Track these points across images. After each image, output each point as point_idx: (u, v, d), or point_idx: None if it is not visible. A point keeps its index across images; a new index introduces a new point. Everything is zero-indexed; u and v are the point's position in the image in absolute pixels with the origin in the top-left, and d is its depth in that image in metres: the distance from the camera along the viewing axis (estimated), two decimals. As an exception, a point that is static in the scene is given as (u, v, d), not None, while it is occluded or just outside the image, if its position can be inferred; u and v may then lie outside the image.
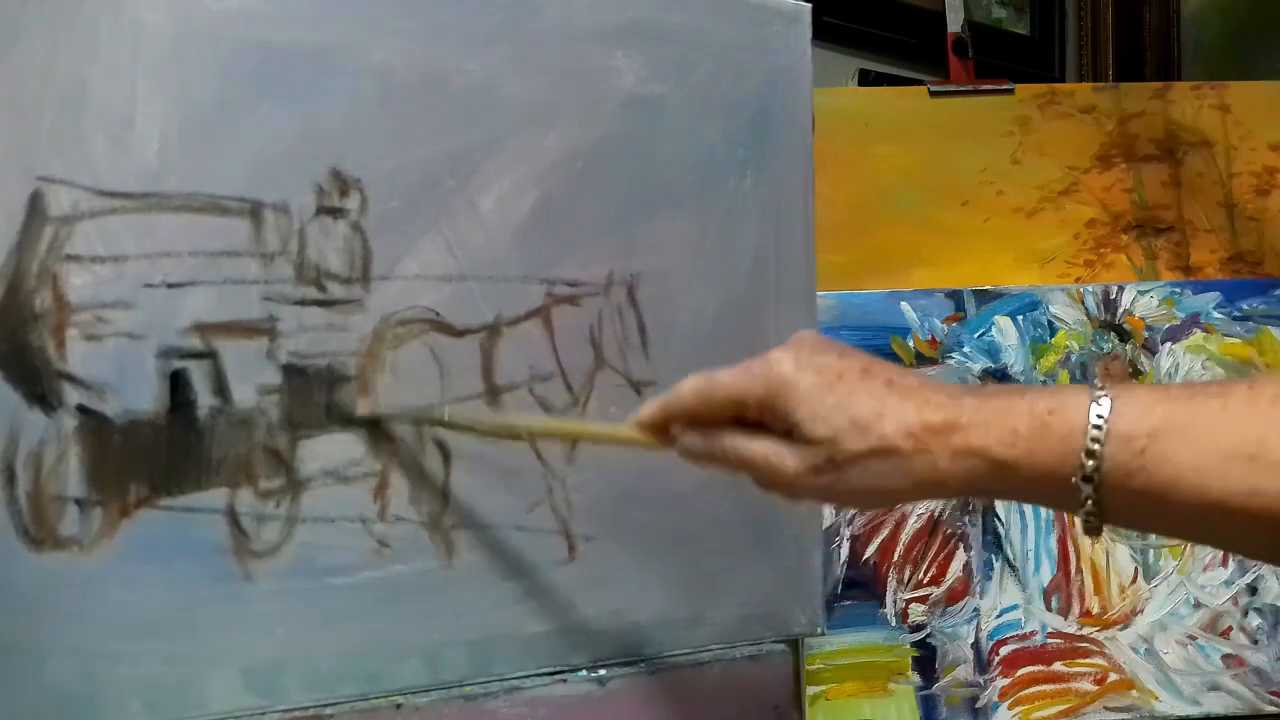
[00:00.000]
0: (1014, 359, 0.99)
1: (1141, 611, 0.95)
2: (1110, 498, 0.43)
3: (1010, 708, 0.92)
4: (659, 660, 0.67)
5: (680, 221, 0.69)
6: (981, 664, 0.93)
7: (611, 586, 0.66)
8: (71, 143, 0.51)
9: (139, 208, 0.52)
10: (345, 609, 0.57)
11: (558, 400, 0.64)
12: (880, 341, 0.97)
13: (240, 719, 0.55)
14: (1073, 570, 0.95)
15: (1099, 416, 0.43)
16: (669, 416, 0.52)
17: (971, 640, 0.93)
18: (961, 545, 0.95)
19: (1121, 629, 0.94)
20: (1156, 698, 0.93)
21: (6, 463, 0.49)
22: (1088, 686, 0.93)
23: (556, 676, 0.63)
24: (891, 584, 0.94)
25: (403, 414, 0.59)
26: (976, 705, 0.92)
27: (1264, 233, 1.04)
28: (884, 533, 0.95)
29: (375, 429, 0.58)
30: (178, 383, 0.53)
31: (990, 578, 0.95)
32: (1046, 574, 0.95)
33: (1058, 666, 0.93)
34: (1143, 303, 1.01)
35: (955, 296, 1.00)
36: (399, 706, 0.59)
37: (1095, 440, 0.43)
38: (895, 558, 0.94)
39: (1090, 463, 0.43)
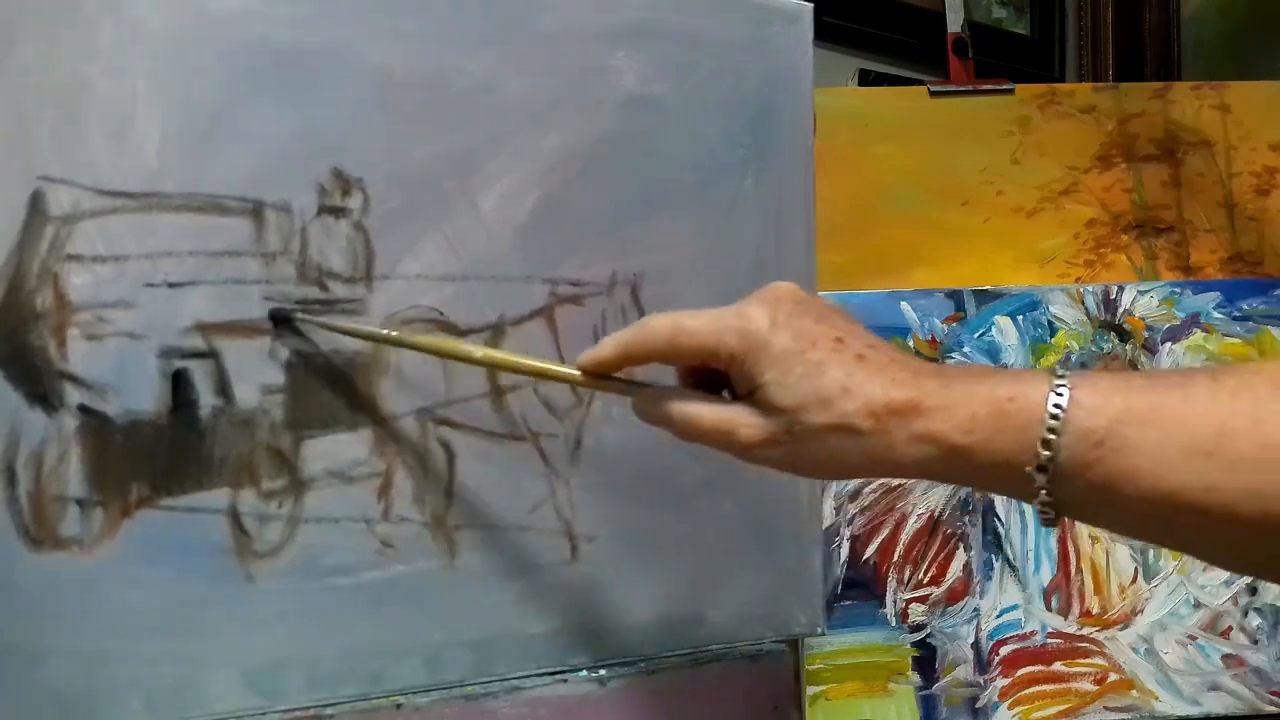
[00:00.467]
0: (1014, 359, 0.99)
1: (1141, 611, 0.95)
2: (1065, 489, 0.43)
3: (1010, 708, 0.92)
4: (659, 660, 0.67)
5: (680, 221, 0.69)
6: (981, 664, 0.93)
7: (613, 587, 0.66)
8: (72, 142, 0.51)
9: (140, 207, 0.52)
10: (347, 609, 0.57)
11: (562, 400, 0.64)
12: (880, 341, 0.97)
13: (241, 719, 0.55)
14: (1073, 570, 0.95)
15: (1056, 406, 0.42)
16: (628, 357, 0.50)
17: (971, 640, 0.94)
18: (961, 545, 0.95)
19: (1121, 629, 0.94)
20: (1156, 698, 0.93)
21: (7, 463, 0.49)
22: (1088, 686, 0.93)
23: (557, 676, 0.63)
24: (891, 584, 0.94)
25: (337, 327, 0.56)
26: (976, 705, 0.92)
27: (1264, 233, 1.04)
28: (884, 533, 0.95)
29: (380, 429, 0.58)
30: (179, 382, 0.53)
31: (990, 578, 0.95)
32: (1046, 574, 0.95)
33: (1058, 666, 0.93)
34: (1143, 303, 1.01)
35: (955, 296, 1.00)
36: (399, 706, 0.59)
37: (1052, 431, 0.42)
38: (895, 558, 0.94)
39: (1046, 453, 0.42)
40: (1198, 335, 1.01)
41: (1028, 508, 0.95)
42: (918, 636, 0.93)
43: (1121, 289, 1.02)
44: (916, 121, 1.05)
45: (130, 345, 0.52)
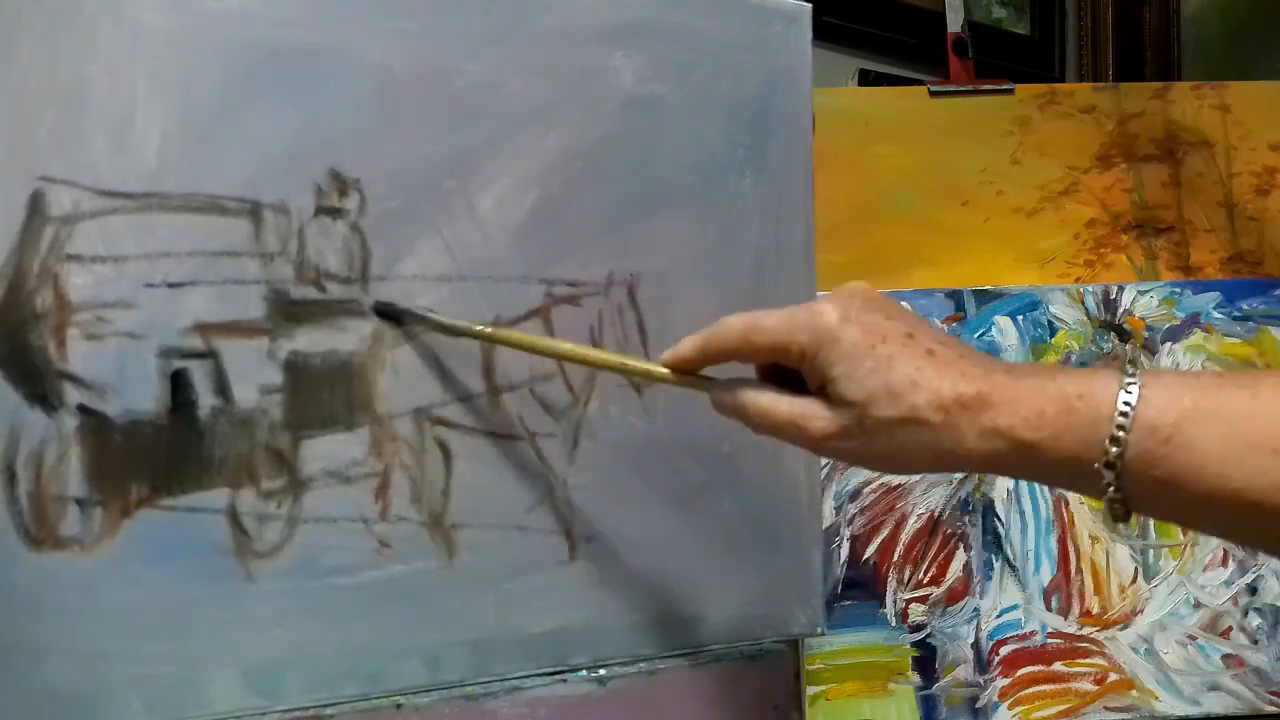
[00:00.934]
0: (1014, 359, 0.99)
1: (1141, 611, 0.95)
2: (1133, 485, 0.43)
3: (1010, 708, 0.92)
4: (659, 660, 0.67)
5: (680, 221, 0.69)
6: (981, 664, 0.93)
7: (612, 586, 0.66)
8: (72, 142, 0.51)
9: (139, 208, 0.52)
10: (346, 609, 0.57)
11: (559, 400, 0.64)
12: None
13: (241, 719, 0.55)
14: (1073, 570, 0.95)
15: (1126, 404, 0.43)
16: (707, 355, 0.51)
17: (971, 640, 0.94)
18: (961, 545, 0.95)
19: (1121, 629, 0.94)
20: (1156, 698, 0.93)
21: (7, 463, 0.49)
22: (1088, 686, 0.93)
23: (557, 676, 0.63)
24: (891, 584, 0.94)
25: (439, 323, 0.59)
26: (976, 705, 0.92)
27: (1264, 233, 1.04)
28: (884, 533, 0.95)
29: (378, 429, 0.58)
30: (179, 382, 0.53)
31: (990, 578, 0.95)
32: (1046, 574, 0.95)
33: (1058, 666, 0.93)
34: (1143, 303, 1.01)
35: (955, 296, 1.00)
36: (399, 706, 0.59)
37: (1120, 428, 0.43)
38: (895, 558, 0.94)
39: (1114, 449, 0.43)
40: (1198, 335, 1.01)
41: (1027, 507, 0.95)
42: (918, 636, 0.93)
43: (1121, 289, 1.02)
44: (916, 121, 1.05)
45: (130, 345, 0.52)
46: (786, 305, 0.73)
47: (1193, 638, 0.94)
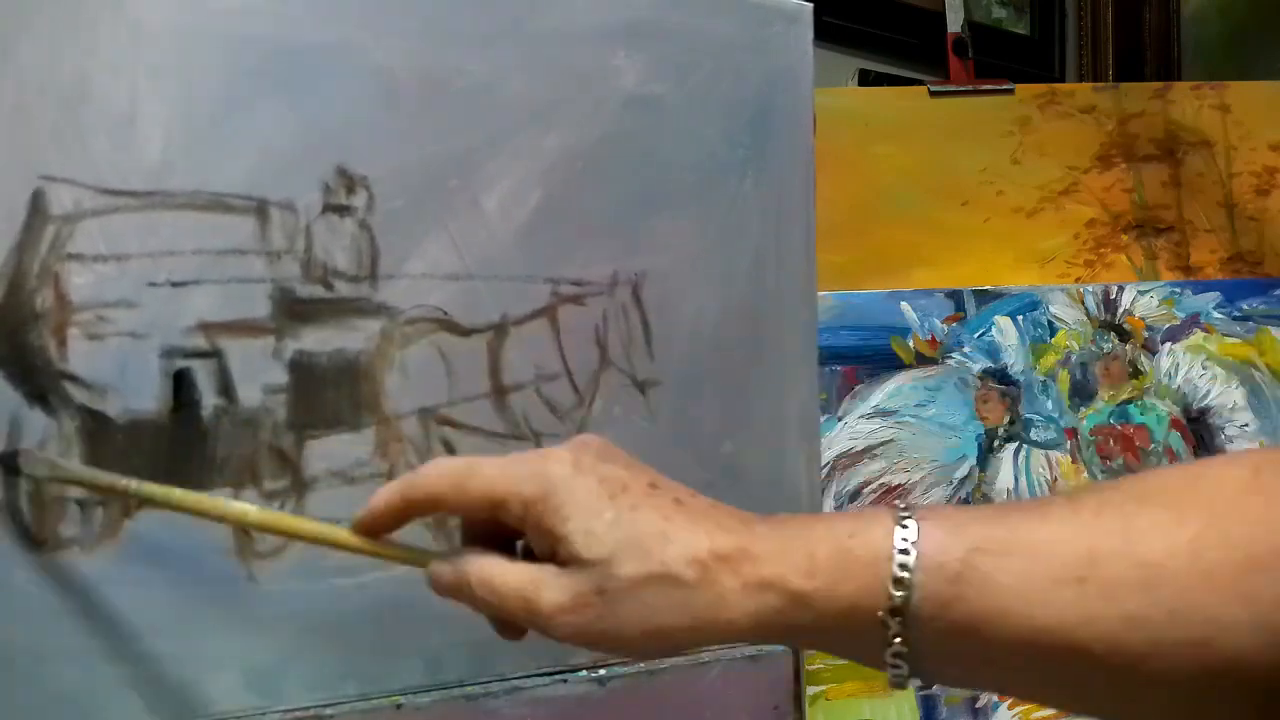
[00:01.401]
0: (1014, 359, 0.99)
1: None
2: (924, 636, 0.37)
3: (1010, 708, 0.92)
4: (659, 660, 0.67)
5: (681, 221, 0.69)
6: (981, 664, 0.93)
7: (613, 586, 0.66)
8: (73, 141, 0.50)
9: (142, 206, 0.52)
10: (348, 609, 0.57)
11: (564, 400, 0.64)
12: (880, 341, 0.97)
13: (241, 719, 0.55)
14: (1072, 570, 0.95)
15: (904, 540, 0.38)
16: (409, 505, 0.43)
17: (971, 640, 0.93)
18: (961, 545, 0.95)
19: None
20: (1156, 698, 0.93)
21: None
22: (1087, 686, 0.93)
23: (557, 677, 0.63)
24: (891, 584, 0.94)
25: (75, 476, 0.49)
26: (976, 705, 0.92)
27: (1264, 233, 1.04)
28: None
29: (382, 429, 0.58)
30: (181, 382, 0.53)
31: (990, 578, 0.95)
32: (1046, 574, 0.95)
33: (1057, 666, 0.93)
34: (1143, 303, 1.01)
35: (955, 296, 1.00)
36: (399, 706, 0.59)
37: (904, 567, 0.37)
38: (895, 558, 0.94)
39: (899, 593, 0.37)
40: (1198, 335, 1.01)
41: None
42: (917, 636, 0.93)
43: (1121, 289, 1.02)
44: (916, 121, 1.05)
45: (132, 345, 0.52)
46: (787, 305, 0.73)
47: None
